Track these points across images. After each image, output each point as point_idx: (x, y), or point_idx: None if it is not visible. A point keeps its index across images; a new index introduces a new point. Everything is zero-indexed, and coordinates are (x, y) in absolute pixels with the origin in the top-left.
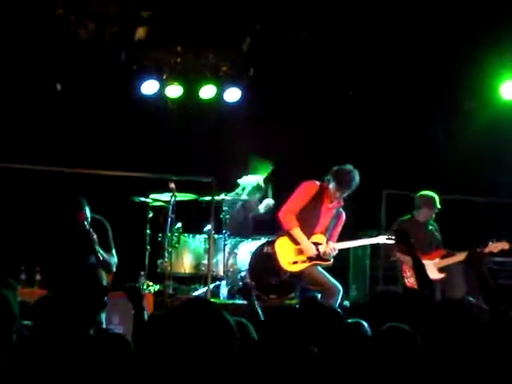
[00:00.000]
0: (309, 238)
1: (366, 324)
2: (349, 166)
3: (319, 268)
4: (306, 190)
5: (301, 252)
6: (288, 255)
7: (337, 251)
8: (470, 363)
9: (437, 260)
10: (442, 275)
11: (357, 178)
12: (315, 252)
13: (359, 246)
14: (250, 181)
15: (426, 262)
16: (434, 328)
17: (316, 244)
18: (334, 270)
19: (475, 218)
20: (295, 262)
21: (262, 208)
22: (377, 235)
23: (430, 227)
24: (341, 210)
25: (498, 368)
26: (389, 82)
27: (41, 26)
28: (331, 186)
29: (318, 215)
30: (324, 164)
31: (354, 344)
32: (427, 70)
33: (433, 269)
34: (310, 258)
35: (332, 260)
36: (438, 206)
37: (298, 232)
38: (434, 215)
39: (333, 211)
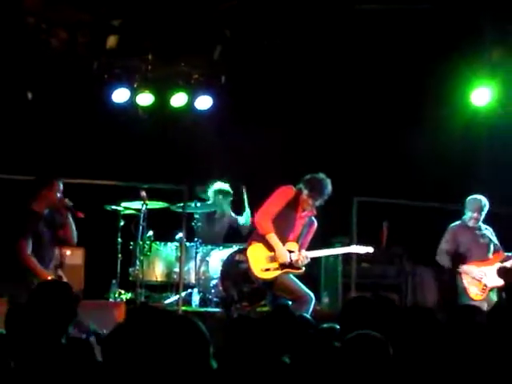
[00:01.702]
0: (283, 244)
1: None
2: (321, 175)
3: (291, 276)
4: (283, 194)
5: (273, 259)
6: (260, 262)
7: (309, 259)
8: (440, 371)
9: (497, 265)
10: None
11: (329, 186)
12: (289, 259)
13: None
14: (214, 187)
15: (486, 268)
16: (405, 335)
17: (289, 251)
18: (306, 277)
19: (447, 226)
20: (267, 270)
21: (241, 219)
22: (348, 243)
23: (484, 231)
24: (313, 219)
25: (468, 375)
26: (361, 89)
27: (12, 35)
28: (304, 194)
29: (293, 222)
30: (296, 171)
31: (324, 352)
32: (399, 76)
33: (494, 275)
34: (282, 266)
35: (304, 268)
36: (481, 210)
37: (273, 238)
38: (479, 218)
39: (305, 219)
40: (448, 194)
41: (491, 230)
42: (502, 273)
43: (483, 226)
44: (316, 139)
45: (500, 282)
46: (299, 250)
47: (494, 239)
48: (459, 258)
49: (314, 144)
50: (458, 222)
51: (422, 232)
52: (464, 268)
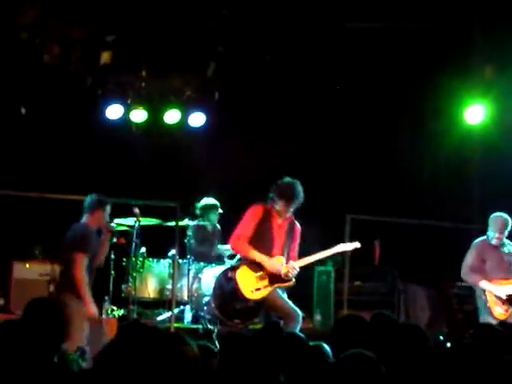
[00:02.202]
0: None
1: (327, 347)
2: (288, 179)
3: (280, 293)
4: (252, 213)
5: (262, 278)
6: (250, 284)
7: (297, 269)
8: None
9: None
10: None
11: (299, 188)
12: (280, 268)
13: (323, 271)
14: (203, 203)
15: (509, 287)
16: (397, 354)
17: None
18: (298, 295)
19: (442, 243)
20: (258, 289)
21: None
22: (341, 261)
23: (507, 247)
24: (294, 223)
25: None
26: (354, 106)
27: (5, 49)
28: (278, 203)
29: (271, 236)
30: None
31: (316, 370)
32: (393, 94)
33: None
34: (272, 282)
35: (294, 280)
36: (505, 228)
37: (255, 254)
38: (501, 237)
39: (285, 227)
40: (441, 211)
41: None
42: None
43: (507, 242)
44: (309, 156)
45: None
46: (287, 262)
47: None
48: (484, 275)
49: (307, 161)
50: (482, 238)
51: (414, 250)
52: (488, 287)
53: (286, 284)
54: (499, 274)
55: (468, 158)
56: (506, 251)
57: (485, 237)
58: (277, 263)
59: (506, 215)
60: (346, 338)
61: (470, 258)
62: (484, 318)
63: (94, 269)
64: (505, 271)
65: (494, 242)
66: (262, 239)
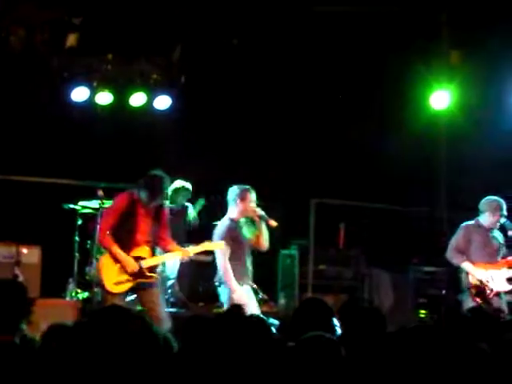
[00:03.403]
0: (131, 249)
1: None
2: (158, 172)
3: (154, 295)
4: (116, 203)
5: (124, 271)
6: (111, 275)
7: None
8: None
9: (504, 269)
10: (510, 286)
11: (167, 182)
12: (137, 267)
13: (287, 255)
14: (172, 185)
15: (493, 272)
16: (358, 337)
17: (138, 258)
18: (263, 278)
19: (407, 228)
20: (120, 282)
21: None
22: (306, 245)
23: (495, 233)
24: (162, 208)
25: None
26: (319, 91)
27: None
28: (143, 194)
29: (136, 223)
30: (254, 172)
31: (279, 352)
32: (358, 80)
33: (500, 279)
34: (133, 276)
35: (157, 275)
36: (504, 211)
37: (114, 249)
38: (499, 221)
39: (151, 214)
40: (408, 196)
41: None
42: None
43: (508, 225)
44: (274, 140)
45: (507, 287)
46: (156, 248)
47: (503, 243)
48: (469, 257)
49: (272, 145)
50: (472, 221)
51: (379, 234)
52: (471, 269)
53: (149, 280)
54: (484, 258)
55: (434, 143)
56: (494, 235)
57: (474, 220)
58: (131, 264)
59: (499, 198)
60: (307, 321)
61: (456, 239)
62: (464, 300)
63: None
64: (490, 255)
65: (485, 223)
66: (125, 226)
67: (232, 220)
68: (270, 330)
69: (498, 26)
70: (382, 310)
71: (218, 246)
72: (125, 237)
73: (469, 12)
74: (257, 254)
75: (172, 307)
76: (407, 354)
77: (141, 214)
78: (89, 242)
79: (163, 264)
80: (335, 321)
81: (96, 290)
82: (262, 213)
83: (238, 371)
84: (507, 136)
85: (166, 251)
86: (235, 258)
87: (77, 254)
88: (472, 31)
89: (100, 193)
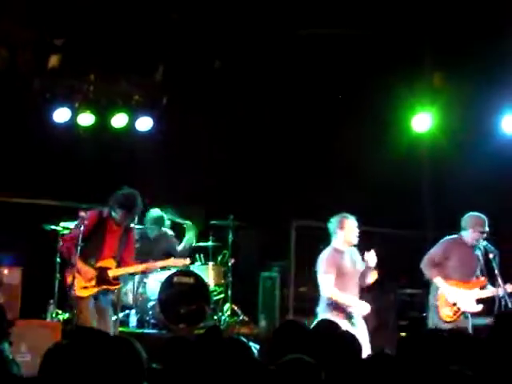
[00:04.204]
0: (97, 262)
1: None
2: (129, 190)
3: (90, 306)
4: (87, 220)
5: (91, 278)
6: (79, 281)
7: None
8: None
9: (476, 290)
10: (479, 308)
11: (139, 200)
12: (94, 274)
13: (268, 277)
14: (153, 213)
15: (464, 291)
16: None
17: (105, 268)
18: (244, 300)
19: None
20: (85, 288)
21: (180, 246)
22: (288, 267)
23: (478, 253)
24: (131, 228)
25: None
26: (301, 112)
27: None
28: (116, 212)
29: (104, 239)
30: (234, 193)
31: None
32: (341, 100)
33: (470, 299)
34: (99, 283)
35: (121, 283)
36: (486, 228)
37: (74, 258)
38: (481, 238)
39: (120, 232)
40: (389, 217)
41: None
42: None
43: (482, 243)
44: (257, 162)
45: (475, 308)
46: (119, 266)
47: (482, 263)
48: (444, 272)
49: (254, 167)
50: (455, 236)
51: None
52: (442, 286)
53: (113, 287)
54: (461, 275)
55: (417, 165)
56: (477, 254)
57: (457, 235)
58: (89, 272)
59: (481, 214)
60: (287, 343)
61: (433, 251)
62: (431, 317)
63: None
64: (467, 274)
65: (467, 239)
66: (93, 242)
67: (335, 250)
68: (251, 352)
69: (480, 49)
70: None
71: (183, 262)
72: (92, 251)
73: (451, 35)
74: (238, 276)
75: (153, 328)
76: (385, 378)
77: (110, 232)
78: None
79: (144, 285)
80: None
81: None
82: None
83: None
84: (489, 158)
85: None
86: (339, 288)
87: (58, 275)
88: (454, 54)
89: (82, 214)
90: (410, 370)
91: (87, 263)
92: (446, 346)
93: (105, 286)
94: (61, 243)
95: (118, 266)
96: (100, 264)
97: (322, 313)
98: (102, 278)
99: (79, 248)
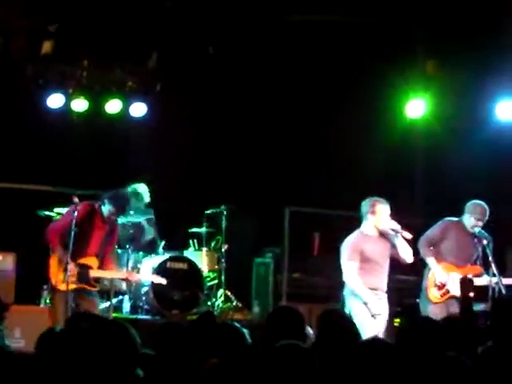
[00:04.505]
0: (81, 257)
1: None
2: (125, 191)
3: (66, 300)
4: (79, 208)
5: (73, 274)
6: (59, 274)
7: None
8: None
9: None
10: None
11: (132, 200)
12: (75, 271)
13: (262, 263)
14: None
15: (457, 275)
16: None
17: (87, 266)
18: (237, 286)
19: None
20: (65, 282)
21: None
22: (281, 253)
23: (476, 240)
24: (116, 225)
25: None
26: (295, 99)
27: None
28: (106, 208)
29: (90, 235)
30: (227, 179)
31: (249, 361)
32: (335, 87)
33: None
34: (79, 280)
35: (97, 287)
36: (485, 216)
37: (61, 251)
38: (478, 226)
39: (106, 229)
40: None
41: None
42: (462, 283)
43: (481, 234)
44: (248, 148)
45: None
46: (101, 265)
47: (480, 252)
48: (438, 254)
49: (247, 153)
50: (455, 219)
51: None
52: (434, 266)
53: (90, 288)
54: (457, 259)
55: (410, 151)
56: (475, 241)
57: (457, 219)
58: (71, 268)
59: (483, 204)
60: (280, 329)
61: (432, 231)
62: (421, 299)
63: None
64: (462, 258)
65: (467, 224)
66: (80, 235)
67: (362, 234)
68: (244, 338)
69: (473, 36)
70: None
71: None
72: (77, 245)
73: (444, 22)
74: (231, 262)
75: (146, 314)
76: (379, 365)
77: (97, 227)
78: None
79: (137, 271)
80: (308, 329)
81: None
82: (396, 226)
83: (211, 379)
84: (483, 145)
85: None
86: (363, 273)
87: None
88: (447, 41)
89: (75, 199)
90: (405, 357)
91: (71, 258)
92: (441, 333)
93: (84, 286)
94: (47, 232)
95: (100, 264)
96: (83, 261)
97: (349, 296)
98: (82, 276)
99: (69, 240)
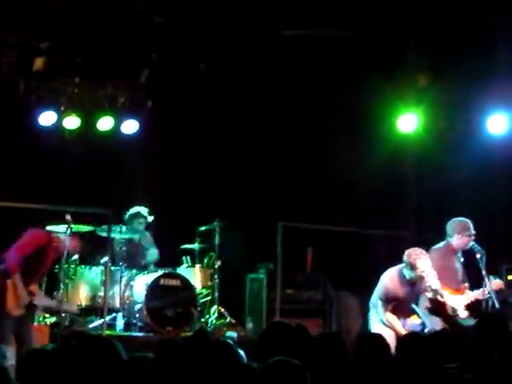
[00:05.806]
0: (30, 284)
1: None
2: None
3: (12, 326)
4: (35, 239)
5: (24, 302)
6: (13, 299)
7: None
8: None
9: (465, 296)
10: (465, 313)
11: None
12: (28, 301)
13: (255, 279)
14: (131, 211)
15: (459, 298)
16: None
17: (32, 294)
18: (230, 302)
19: (375, 251)
20: (17, 307)
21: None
22: (274, 269)
23: (460, 256)
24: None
25: None
26: (286, 114)
27: None
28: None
29: (42, 264)
30: (220, 195)
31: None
32: (327, 101)
33: (461, 306)
34: (28, 307)
35: (40, 312)
36: (473, 230)
37: (17, 278)
38: (470, 242)
39: (52, 256)
40: (375, 219)
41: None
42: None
43: (474, 248)
44: (241, 164)
45: (463, 315)
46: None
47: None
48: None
49: (239, 169)
50: (440, 245)
51: (347, 258)
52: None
53: (31, 314)
54: (452, 282)
55: (402, 166)
56: (461, 259)
57: (443, 243)
58: (25, 297)
59: (464, 218)
60: (273, 345)
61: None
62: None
63: None
64: (457, 280)
65: (455, 245)
66: (32, 265)
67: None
68: (238, 355)
69: (464, 50)
70: (351, 332)
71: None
72: (30, 271)
73: (436, 36)
74: (224, 278)
75: (140, 331)
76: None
77: (49, 257)
78: (56, 266)
79: (131, 288)
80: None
81: (63, 315)
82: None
83: None
84: (475, 158)
85: None
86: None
87: (45, 278)
88: (439, 54)
89: (68, 217)
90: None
91: (25, 285)
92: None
93: (30, 312)
94: (11, 257)
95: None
96: (30, 288)
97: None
98: (30, 303)
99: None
